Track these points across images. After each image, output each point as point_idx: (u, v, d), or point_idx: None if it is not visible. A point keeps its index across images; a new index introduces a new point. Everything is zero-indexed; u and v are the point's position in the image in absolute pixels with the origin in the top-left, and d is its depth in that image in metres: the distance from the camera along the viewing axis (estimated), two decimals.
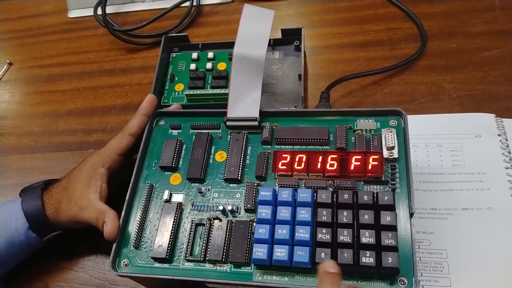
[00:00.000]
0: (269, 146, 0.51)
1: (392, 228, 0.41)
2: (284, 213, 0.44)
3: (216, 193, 0.49)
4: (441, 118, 0.59)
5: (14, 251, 0.52)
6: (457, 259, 0.49)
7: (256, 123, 0.51)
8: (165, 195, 0.49)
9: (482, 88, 0.60)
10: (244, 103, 0.52)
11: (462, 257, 0.49)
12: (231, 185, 0.49)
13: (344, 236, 0.42)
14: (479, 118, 0.57)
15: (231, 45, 0.56)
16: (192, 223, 0.47)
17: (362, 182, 0.46)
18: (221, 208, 0.47)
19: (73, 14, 0.85)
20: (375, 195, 0.43)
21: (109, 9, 0.78)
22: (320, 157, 0.47)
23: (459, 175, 0.54)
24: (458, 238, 0.50)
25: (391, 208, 0.42)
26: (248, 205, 0.47)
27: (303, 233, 0.43)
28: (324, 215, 0.43)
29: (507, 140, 0.55)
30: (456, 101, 0.60)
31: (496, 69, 0.61)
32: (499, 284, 0.47)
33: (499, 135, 0.56)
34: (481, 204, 0.52)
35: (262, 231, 0.43)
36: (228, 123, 0.52)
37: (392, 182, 0.45)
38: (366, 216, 0.42)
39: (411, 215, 0.43)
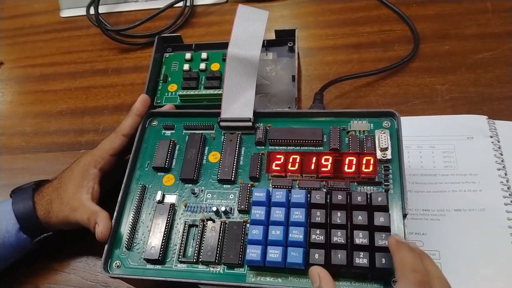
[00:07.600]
0: (263, 147, 0.51)
1: (386, 229, 0.41)
2: (278, 214, 0.44)
3: (210, 194, 0.49)
4: (434, 119, 0.59)
5: (5, 252, 0.52)
6: (450, 260, 0.49)
7: (250, 123, 0.51)
8: (158, 196, 0.49)
9: (475, 90, 0.61)
10: (238, 103, 0.52)
11: (455, 258, 0.49)
12: (224, 186, 0.49)
13: (338, 237, 0.42)
14: (472, 120, 0.58)
15: (224, 45, 0.55)
16: (185, 224, 0.47)
17: (355, 183, 0.46)
18: (214, 209, 0.47)
19: (65, 13, 0.84)
20: (368, 196, 0.43)
21: (101, 9, 0.77)
22: (314, 158, 0.47)
23: (451, 176, 0.54)
24: (451, 239, 0.50)
25: (384, 209, 0.43)
26: (242, 206, 0.47)
27: (296, 234, 0.42)
28: (318, 216, 0.43)
29: (499, 141, 0.55)
30: (449, 103, 0.60)
31: (489, 71, 0.62)
32: (491, 285, 0.47)
33: (491, 137, 0.56)
34: (473, 205, 0.52)
35: (255, 232, 0.43)
36: (222, 123, 0.52)
37: (385, 183, 0.45)
38: (360, 217, 0.42)
39: (404, 216, 0.43)
